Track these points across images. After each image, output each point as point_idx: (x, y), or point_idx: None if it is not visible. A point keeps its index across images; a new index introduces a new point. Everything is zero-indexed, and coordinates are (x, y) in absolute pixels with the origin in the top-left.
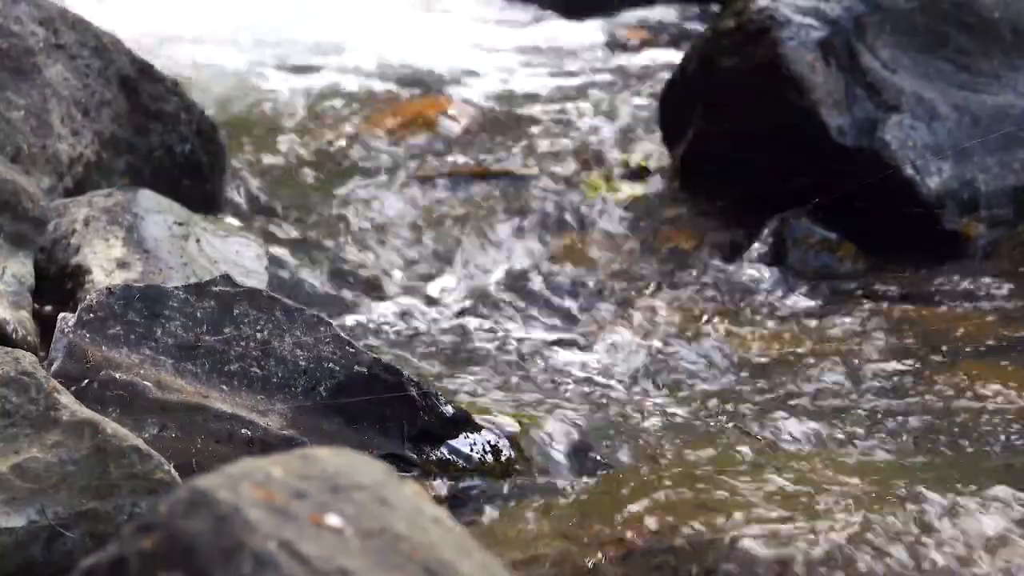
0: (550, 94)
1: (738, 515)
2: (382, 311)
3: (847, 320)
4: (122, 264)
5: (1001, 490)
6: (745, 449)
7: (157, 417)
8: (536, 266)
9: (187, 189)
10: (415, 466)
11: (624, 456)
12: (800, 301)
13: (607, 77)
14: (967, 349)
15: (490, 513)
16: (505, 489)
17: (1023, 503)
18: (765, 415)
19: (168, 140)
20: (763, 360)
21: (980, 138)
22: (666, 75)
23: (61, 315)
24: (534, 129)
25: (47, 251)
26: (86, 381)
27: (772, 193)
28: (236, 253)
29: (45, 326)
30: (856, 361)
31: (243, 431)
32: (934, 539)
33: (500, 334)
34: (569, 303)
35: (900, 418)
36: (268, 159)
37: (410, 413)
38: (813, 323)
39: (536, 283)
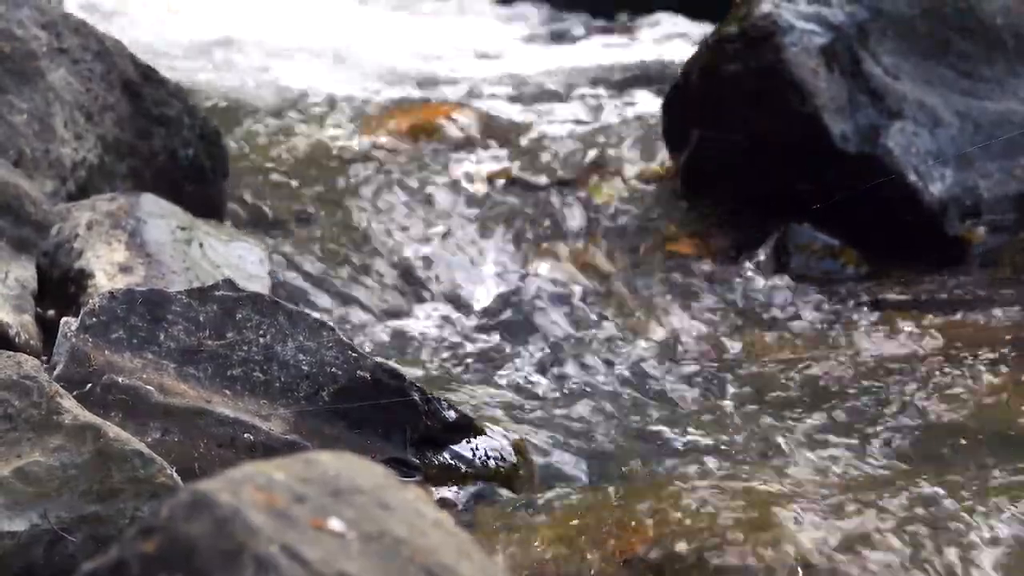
0: (553, 99)
1: (742, 522)
2: (385, 316)
3: (849, 326)
4: (125, 268)
5: (1001, 494)
6: (748, 456)
7: (159, 421)
8: (538, 271)
9: (190, 193)
10: (418, 471)
11: (626, 462)
12: (802, 307)
13: (610, 82)
14: (969, 355)
15: (492, 518)
16: (507, 494)
17: (1023, 507)
18: (767, 422)
19: (171, 144)
20: (765, 366)
21: (982, 144)
22: (669, 80)
23: (64, 319)
24: (537, 134)
25: (50, 255)
26: (88, 385)
27: (774, 199)
28: (239, 257)
29: (48, 330)
30: (858, 367)
31: (245, 435)
32: (934, 544)
33: (503, 339)
34: (571, 309)
35: (901, 424)
36: (271, 164)
37: (413, 418)
38: (815, 329)
39: (538, 288)
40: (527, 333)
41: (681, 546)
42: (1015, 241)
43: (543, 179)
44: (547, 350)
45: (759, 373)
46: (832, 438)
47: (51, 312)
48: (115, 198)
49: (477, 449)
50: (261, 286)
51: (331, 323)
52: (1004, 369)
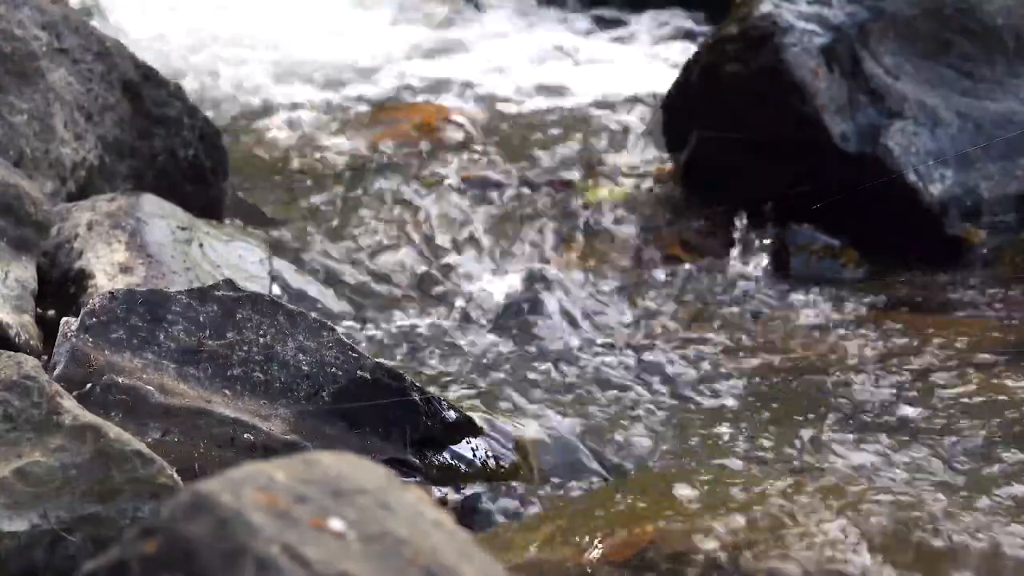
0: (553, 100)
1: (742, 522)
2: (385, 316)
3: (849, 326)
4: (125, 268)
5: (999, 495)
6: (748, 455)
7: (160, 422)
8: (537, 272)
9: (190, 194)
10: (418, 471)
11: (626, 462)
12: (802, 307)
13: (610, 82)
14: (968, 355)
15: (492, 518)
16: (507, 494)
17: (1021, 507)
18: (767, 422)
19: (171, 145)
20: (765, 366)
21: (982, 144)
22: (669, 81)
23: (64, 319)
24: (537, 135)
25: (50, 255)
26: (89, 385)
27: (775, 199)
28: (239, 257)
29: (48, 330)
30: (858, 367)
31: (246, 436)
32: (933, 544)
33: (502, 339)
34: (571, 309)
35: (901, 424)
36: (271, 164)
37: (413, 418)
38: (815, 329)
39: (538, 288)
40: (526, 333)
41: (682, 546)
42: (1015, 241)
43: (543, 179)
44: (547, 350)
45: (759, 373)
46: (832, 437)
47: (51, 312)
48: (115, 198)
49: (477, 449)
50: (261, 286)
51: (331, 323)
52: (1004, 369)
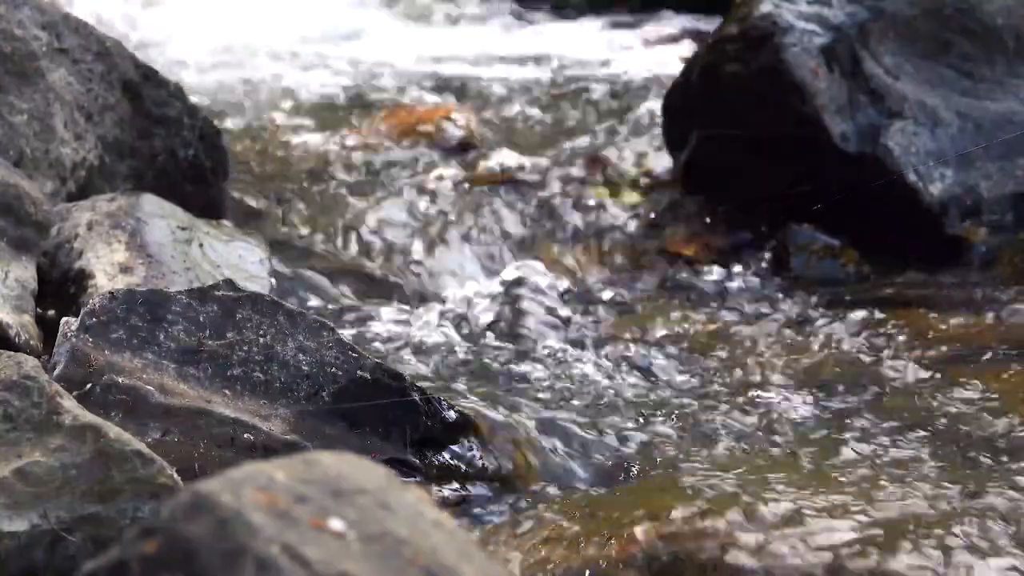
0: (554, 100)
1: (741, 522)
2: (385, 316)
3: (849, 326)
4: (125, 268)
5: (999, 496)
6: (747, 455)
7: (160, 422)
8: (538, 272)
9: (190, 194)
10: (418, 471)
11: (626, 463)
12: (802, 307)
13: (610, 82)
14: (968, 355)
15: (492, 518)
16: (507, 494)
17: (1020, 509)
18: (767, 422)
19: (171, 145)
20: (764, 367)
21: (983, 144)
22: (669, 81)
23: (64, 319)
24: (537, 135)
25: (50, 255)
26: (89, 385)
27: (775, 199)
28: (239, 258)
29: (48, 330)
30: (857, 367)
31: (246, 436)
32: (931, 546)
33: (503, 340)
34: (571, 309)
35: (900, 424)
36: (271, 164)
37: (413, 418)
38: (815, 329)
39: (538, 289)
40: (527, 333)
41: (681, 547)
42: (1015, 241)
43: (543, 179)
44: (547, 350)
45: (759, 374)
46: (831, 438)
47: (51, 312)
48: (115, 198)
49: (477, 449)
50: (261, 286)
51: (331, 323)
52: (1003, 369)
